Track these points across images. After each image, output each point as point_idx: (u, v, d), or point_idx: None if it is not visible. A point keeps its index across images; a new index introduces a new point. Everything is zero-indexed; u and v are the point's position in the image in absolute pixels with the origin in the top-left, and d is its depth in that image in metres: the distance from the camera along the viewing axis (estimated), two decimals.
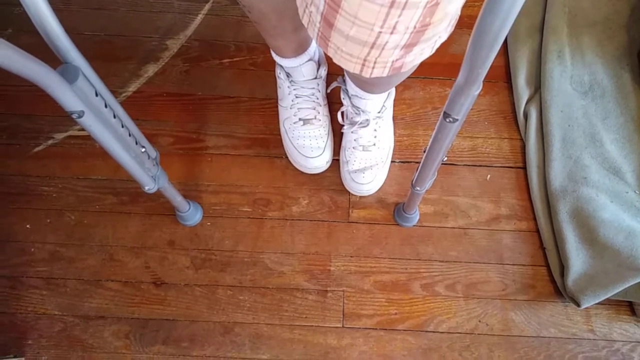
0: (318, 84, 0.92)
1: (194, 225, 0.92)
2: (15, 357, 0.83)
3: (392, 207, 0.94)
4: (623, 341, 0.86)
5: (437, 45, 0.50)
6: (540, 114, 1.00)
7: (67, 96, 0.49)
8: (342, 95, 0.88)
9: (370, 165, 0.92)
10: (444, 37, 0.49)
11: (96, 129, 0.55)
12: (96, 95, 0.54)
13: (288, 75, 0.90)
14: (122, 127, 0.61)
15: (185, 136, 0.99)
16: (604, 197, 0.91)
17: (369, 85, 0.78)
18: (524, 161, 0.98)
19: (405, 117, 1.01)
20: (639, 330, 0.87)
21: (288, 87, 0.92)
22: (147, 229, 0.91)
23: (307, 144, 0.94)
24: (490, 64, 0.45)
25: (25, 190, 0.94)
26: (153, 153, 0.71)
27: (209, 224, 0.92)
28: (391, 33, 0.43)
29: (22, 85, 1.02)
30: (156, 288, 0.88)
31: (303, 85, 0.91)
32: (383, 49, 0.45)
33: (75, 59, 0.52)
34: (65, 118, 1.00)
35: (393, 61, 0.48)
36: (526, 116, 1.01)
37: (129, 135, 0.63)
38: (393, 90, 0.92)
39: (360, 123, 0.88)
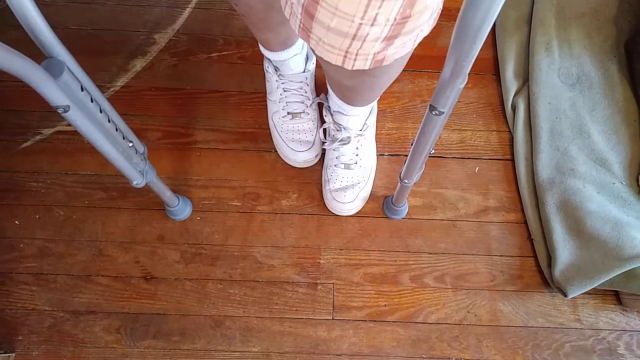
0: (306, 78, 0.91)
1: (183, 219, 0.91)
2: (5, 352, 0.82)
3: (381, 200, 0.94)
4: (609, 330, 0.86)
5: (419, 39, 0.49)
6: (528, 106, 0.99)
7: (52, 91, 0.48)
8: (324, 113, 0.88)
9: (351, 184, 0.90)
10: (426, 30, 0.48)
11: (82, 123, 0.54)
12: (82, 90, 0.53)
13: (276, 69, 0.89)
14: (109, 121, 0.60)
15: (173, 131, 0.98)
16: (590, 188, 0.91)
17: (352, 95, 0.77)
18: (512, 153, 0.98)
19: (394, 110, 1.01)
20: (624, 319, 0.87)
21: (276, 80, 0.91)
22: (136, 224, 0.91)
23: (296, 137, 0.93)
24: (474, 56, 0.45)
25: (14, 187, 0.93)
26: (141, 148, 0.70)
27: (198, 218, 0.92)
28: (372, 25, 0.43)
29: (8, 80, 1.00)
30: (146, 282, 0.87)
31: (291, 79, 0.90)
32: (364, 40, 0.45)
33: (60, 53, 0.51)
34: (53, 113, 0.98)
35: (375, 53, 0.47)
36: (514, 108, 1.00)
37: (116, 130, 0.62)
38: (375, 108, 0.91)
39: (342, 140, 0.87)
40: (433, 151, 0.67)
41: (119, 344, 0.84)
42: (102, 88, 1.01)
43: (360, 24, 0.43)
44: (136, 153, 0.68)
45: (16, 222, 0.91)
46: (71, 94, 0.51)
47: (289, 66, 0.87)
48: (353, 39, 0.45)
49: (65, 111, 0.51)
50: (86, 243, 0.90)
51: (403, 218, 0.92)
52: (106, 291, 0.87)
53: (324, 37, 0.46)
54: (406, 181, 0.75)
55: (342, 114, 0.83)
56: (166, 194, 0.83)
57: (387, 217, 0.92)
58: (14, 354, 0.83)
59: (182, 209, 0.90)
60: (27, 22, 0.48)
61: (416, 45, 0.50)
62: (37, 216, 0.91)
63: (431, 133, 0.59)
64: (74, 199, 0.92)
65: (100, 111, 0.58)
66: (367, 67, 0.49)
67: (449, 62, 0.46)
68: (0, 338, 0.84)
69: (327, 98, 0.87)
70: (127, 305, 0.86)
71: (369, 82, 0.67)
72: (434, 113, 0.54)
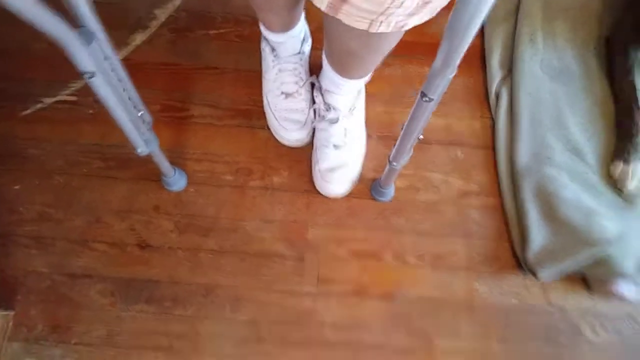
0: (301, 59, 0.91)
1: (178, 190, 0.92)
2: (5, 310, 0.83)
3: (369, 181, 0.96)
4: (576, 311, 0.90)
5: (438, 10, 0.53)
6: (510, 95, 1.01)
7: (83, 56, 0.52)
8: (315, 94, 0.88)
9: (340, 164, 0.91)
10: (444, 3, 0.52)
11: (103, 90, 0.58)
12: (105, 59, 0.56)
13: (273, 49, 0.89)
14: (124, 90, 0.63)
15: (171, 104, 0.98)
16: (566, 176, 0.93)
17: (350, 62, 0.78)
18: (493, 141, 1.00)
19: (385, 94, 1.02)
20: (591, 302, 0.90)
21: (272, 61, 0.91)
22: (133, 193, 0.92)
23: (289, 117, 0.94)
24: (463, 51, 0.46)
25: (15, 152, 0.93)
26: (148, 118, 0.72)
27: (192, 190, 0.93)
28: (399, 7, 0.49)
29: (12, 50, 1.00)
30: (141, 250, 0.89)
31: (287, 60, 0.91)
32: (390, 15, 0.51)
33: (91, 24, 0.54)
34: (54, 83, 0.98)
35: (397, 22, 0.53)
36: (498, 97, 1.02)
37: (129, 98, 0.65)
38: (363, 91, 0.92)
39: (330, 120, 0.88)
40: (421, 137, 0.68)
41: (113, 307, 0.86)
42: None
43: (388, 7, 0.49)
44: (143, 122, 0.70)
45: (16, 187, 0.91)
46: (97, 62, 0.54)
47: (285, 47, 0.88)
48: (381, 15, 0.51)
49: (91, 77, 0.54)
50: (84, 210, 0.91)
51: (389, 200, 0.94)
52: (102, 256, 0.88)
53: (353, 13, 0.52)
54: (395, 164, 0.77)
55: (333, 92, 0.84)
56: (164, 164, 0.84)
57: (373, 199, 0.94)
58: (13, 312, 0.85)
59: (177, 180, 0.91)
60: None
61: (434, 15, 0.54)
62: (37, 182, 0.92)
63: (421, 118, 0.62)
64: (73, 167, 0.93)
65: (118, 80, 0.61)
66: (388, 31, 0.54)
67: (440, 53, 0.49)
68: (1, 296, 0.85)
69: (318, 79, 0.88)
70: (122, 270, 0.88)
71: (374, 45, 0.69)
72: (424, 100, 0.57)
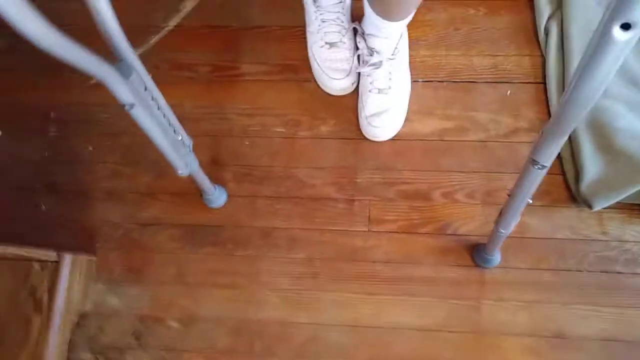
0: (342, 8, 0.93)
1: (218, 207, 0.94)
2: (88, 255, 0.92)
3: (414, 124, 0.96)
4: (634, 242, 0.86)
5: None
6: (561, 29, 0.97)
7: (122, 90, 0.54)
8: (357, 39, 0.89)
9: (386, 108, 0.91)
10: None
11: (144, 119, 0.60)
12: (145, 89, 0.59)
13: (314, 0, 0.91)
14: (164, 117, 0.65)
15: (222, 65, 1.03)
16: (621, 107, 0.89)
17: (389, 8, 0.79)
18: (544, 76, 0.97)
19: (428, 38, 1.01)
20: None
21: (314, 12, 0.93)
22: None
23: (333, 66, 0.96)
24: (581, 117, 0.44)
25: (86, 117, 1.02)
26: (187, 140, 0.74)
27: (247, 143, 0.98)
28: None
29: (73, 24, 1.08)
30: (202, 199, 0.95)
31: (329, 9, 0.92)
32: None
33: (129, 57, 0.56)
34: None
35: None
36: (547, 32, 0.98)
37: (169, 125, 0.67)
38: (405, 33, 0.92)
39: (374, 64, 0.89)
40: (531, 201, 0.62)
41: (182, 250, 0.93)
42: (157, 28, 1.06)
43: None
44: (183, 145, 0.73)
45: (90, 148, 1.00)
46: (136, 93, 0.56)
47: None
48: None
49: (132, 108, 0.56)
50: (150, 165, 0.97)
51: (495, 266, 0.87)
52: (168, 206, 0.95)
53: None
54: (502, 231, 0.71)
55: (375, 36, 0.85)
56: (205, 183, 0.86)
57: (478, 266, 0.87)
58: (95, 258, 0.94)
59: (218, 197, 0.92)
60: (106, 30, 0.53)
61: None
62: (108, 143, 1.00)
63: (531, 186, 0.57)
64: (137, 128, 0.99)
65: (158, 108, 0.63)
66: None
67: (558, 122, 0.45)
68: (82, 244, 0.94)
69: (360, 25, 0.89)
70: (187, 218, 0.94)
71: None
72: (536, 167, 0.52)
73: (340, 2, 0.91)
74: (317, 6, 0.92)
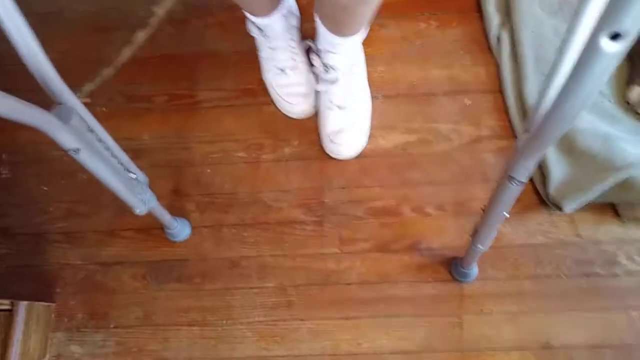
0: (292, 34, 0.90)
1: (182, 241, 0.89)
2: (47, 302, 0.85)
3: (377, 139, 0.93)
4: (609, 242, 0.85)
5: None
6: (512, 37, 0.97)
7: (63, 136, 0.50)
8: (312, 57, 0.87)
9: (347, 125, 0.89)
10: None
11: (91, 163, 0.56)
12: (89, 131, 0.55)
13: (260, 30, 0.88)
14: (113, 157, 0.61)
15: (178, 93, 0.99)
16: None
17: (344, 17, 0.76)
18: (501, 84, 0.96)
19: (384, 54, 1.00)
20: (623, 230, 0.85)
21: (263, 41, 0.91)
22: (150, 180, 0.92)
23: (291, 91, 0.93)
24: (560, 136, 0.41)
25: (40, 157, 0.96)
26: (142, 178, 0.70)
27: (208, 171, 0.93)
28: None
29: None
30: (165, 234, 0.89)
31: (277, 37, 0.89)
32: None
33: (68, 99, 0.52)
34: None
35: None
36: (499, 41, 0.98)
37: (119, 164, 0.63)
38: (361, 48, 0.90)
39: (331, 81, 0.87)
40: (507, 215, 0.60)
41: (147, 289, 0.87)
42: (110, 61, 1.02)
43: None
44: (138, 183, 0.68)
45: (44, 188, 0.94)
46: (80, 136, 0.53)
47: (273, 27, 0.87)
48: None
49: (77, 153, 0.53)
50: (108, 202, 0.92)
51: (472, 280, 0.84)
52: (130, 243, 0.90)
53: None
54: (480, 247, 0.69)
55: (330, 52, 0.83)
56: (166, 217, 0.81)
57: (455, 280, 0.84)
58: (54, 305, 0.87)
59: (181, 230, 0.87)
60: (40, 73, 0.50)
61: None
62: (63, 181, 0.94)
63: (508, 202, 0.55)
64: None
65: (106, 148, 0.59)
66: None
67: (537, 139, 0.43)
68: (41, 291, 0.87)
69: (314, 42, 0.87)
70: (151, 254, 0.89)
71: (358, 8, 0.67)
72: (513, 184, 0.50)
73: (288, 29, 0.89)
74: (264, 35, 0.89)
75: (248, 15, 0.85)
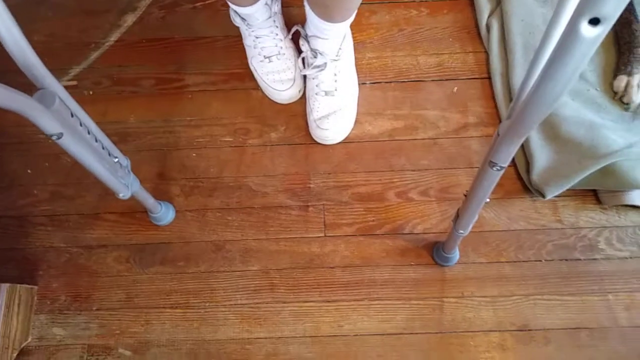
0: (274, 21, 0.89)
1: (167, 224, 0.88)
2: (29, 285, 0.85)
3: (364, 125, 0.93)
4: (589, 227, 0.85)
5: None
6: (502, 25, 0.97)
7: (46, 121, 0.49)
8: (300, 42, 0.87)
9: (334, 110, 0.89)
10: None
11: (74, 148, 0.56)
12: (72, 115, 0.54)
13: (243, 19, 0.88)
14: (96, 141, 0.61)
15: (166, 77, 0.99)
16: (565, 96, 0.89)
17: (330, 10, 0.76)
18: (489, 71, 0.96)
19: (373, 41, 0.99)
20: (604, 216, 0.86)
21: (246, 29, 0.90)
22: (136, 164, 0.92)
23: (276, 78, 0.92)
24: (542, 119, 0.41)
25: (24, 139, 0.95)
26: (124, 162, 0.70)
27: (194, 155, 0.93)
28: None
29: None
30: (149, 218, 0.89)
31: (260, 26, 0.89)
32: None
33: (50, 84, 0.52)
34: (55, 71, 1.00)
35: None
36: (489, 29, 0.98)
37: (102, 148, 0.63)
38: (349, 35, 0.90)
39: (319, 66, 0.86)
40: (488, 199, 0.59)
41: (130, 272, 0.86)
42: (97, 44, 1.02)
43: None
44: (121, 167, 0.68)
45: (29, 170, 0.93)
46: (63, 121, 0.52)
47: (255, 17, 0.86)
48: None
49: (59, 138, 0.52)
50: (93, 185, 0.92)
51: (454, 265, 0.84)
52: (114, 226, 0.89)
53: None
54: (462, 231, 0.69)
55: (318, 37, 0.82)
56: (149, 201, 0.81)
57: (437, 264, 0.84)
58: (36, 287, 0.86)
59: (165, 214, 0.87)
60: (22, 58, 0.49)
61: None
62: (47, 164, 0.93)
63: (489, 187, 0.55)
64: None
65: (88, 132, 0.59)
66: None
67: (517, 124, 0.42)
68: (23, 273, 0.87)
69: (303, 27, 0.86)
70: (134, 237, 0.88)
71: None
72: (494, 169, 0.50)
73: (270, 17, 0.88)
74: (247, 24, 0.88)
75: (231, 4, 0.84)
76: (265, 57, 0.92)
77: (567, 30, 0.32)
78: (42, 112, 0.49)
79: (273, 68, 0.92)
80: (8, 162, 0.94)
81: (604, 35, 0.31)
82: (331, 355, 0.80)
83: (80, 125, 0.57)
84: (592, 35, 0.31)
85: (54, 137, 0.52)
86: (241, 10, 0.84)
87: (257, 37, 0.90)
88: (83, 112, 0.59)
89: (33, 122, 0.49)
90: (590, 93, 0.91)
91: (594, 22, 0.30)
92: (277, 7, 0.89)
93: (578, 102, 0.89)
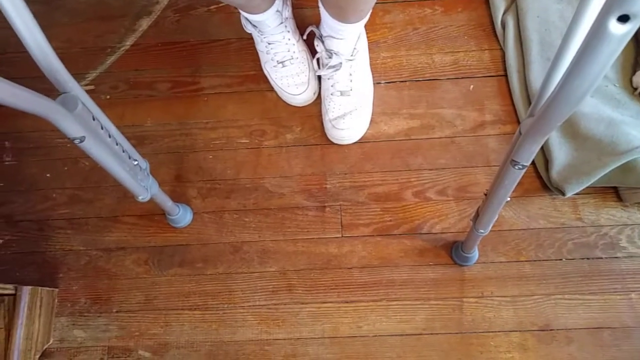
0: (286, 27, 0.89)
1: (185, 227, 0.89)
2: (50, 288, 0.86)
3: (380, 125, 0.93)
4: (610, 225, 0.84)
5: None
6: (517, 22, 0.96)
7: (69, 124, 0.50)
8: (315, 43, 0.87)
9: (349, 110, 0.89)
10: None
11: (96, 151, 0.56)
12: (93, 119, 0.55)
13: (254, 26, 0.88)
14: (117, 144, 0.62)
15: (181, 80, 0.99)
16: None
17: (344, 10, 0.76)
18: (505, 69, 0.95)
19: (387, 40, 0.99)
20: (625, 214, 0.85)
21: (258, 35, 0.90)
22: (154, 167, 0.93)
23: (290, 82, 0.92)
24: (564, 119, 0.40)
25: (43, 144, 0.96)
26: (144, 164, 0.70)
27: (211, 157, 0.93)
28: None
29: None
30: (167, 220, 0.89)
31: (272, 32, 0.89)
32: None
33: (73, 88, 0.53)
34: (73, 76, 1.01)
35: None
36: (504, 26, 0.97)
37: (123, 151, 0.63)
38: (364, 34, 0.90)
39: (334, 66, 0.86)
40: (509, 198, 0.59)
41: (149, 274, 0.87)
42: (113, 49, 1.03)
43: None
44: (140, 170, 0.69)
45: (47, 174, 0.94)
46: (85, 124, 0.53)
47: (266, 24, 0.86)
48: None
49: (82, 141, 0.53)
50: (111, 188, 0.92)
51: (473, 264, 0.83)
52: (133, 229, 0.90)
53: None
54: (482, 231, 0.68)
55: (333, 37, 0.82)
56: (168, 204, 0.81)
57: (456, 264, 0.83)
58: (57, 290, 0.87)
59: (182, 216, 0.87)
60: (46, 63, 0.50)
61: None
62: (66, 168, 0.94)
63: (511, 186, 0.54)
64: None
65: (109, 136, 0.59)
66: None
67: (541, 122, 0.42)
68: (44, 276, 0.88)
69: (318, 28, 0.86)
70: (153, 239, 0.89)
71: None
72: (516, 168, 0.50)
73: (282, 22, 0.88)
74: (259, 31, 0.89)
75: (242, 12, 0.84)
76: (278, 62, 0.92)
77: (594, 28, 0.31)
78: (65, 116, 0.49)
79: (287, 72, 0.92)
80: (27, 167, 0.95)
81: (632, 33, 0.30)
82: (350, 356, 0.79)
83: (101, 128, 0.58)
84: (621, 33, 0.30)
85: (76, 141, 0.53)
86: (252, 17, 0.84)
87: (269, 43, 0.90)
88: (103, 116, 0.59)
89: (56, 125, 0.49)
90: (609, 89, 0.89)
91: (623, 19, 0.30)
92: (288, 13, 0.89)
93: (597, 99, 0.88)
